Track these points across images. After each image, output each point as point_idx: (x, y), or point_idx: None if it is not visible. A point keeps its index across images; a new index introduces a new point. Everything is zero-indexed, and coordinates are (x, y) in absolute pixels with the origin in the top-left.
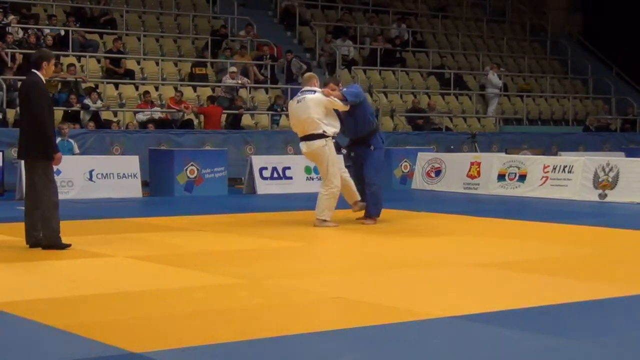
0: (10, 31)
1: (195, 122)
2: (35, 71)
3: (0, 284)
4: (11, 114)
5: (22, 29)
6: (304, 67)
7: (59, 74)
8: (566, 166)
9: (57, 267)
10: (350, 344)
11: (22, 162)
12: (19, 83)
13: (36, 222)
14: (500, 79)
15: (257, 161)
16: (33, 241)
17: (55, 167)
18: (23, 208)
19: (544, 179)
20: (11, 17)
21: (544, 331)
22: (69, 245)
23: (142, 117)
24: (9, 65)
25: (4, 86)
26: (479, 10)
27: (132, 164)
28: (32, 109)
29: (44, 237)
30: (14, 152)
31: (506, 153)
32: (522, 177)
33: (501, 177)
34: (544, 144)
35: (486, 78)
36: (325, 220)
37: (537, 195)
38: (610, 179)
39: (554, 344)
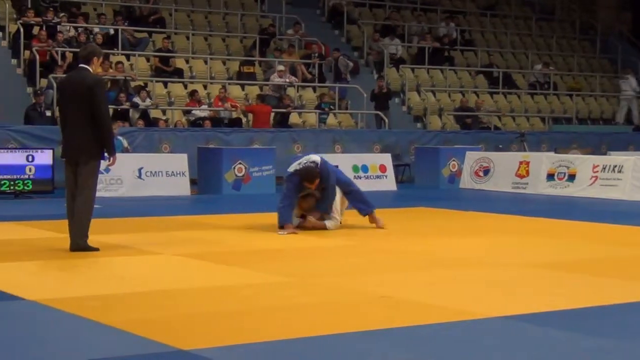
0: (60, 30)
1: (244, 120)
2: (86, 66)
3: (50, 280)
4: None
5: (72, 27)
6: (351, 65)
7: (107, 72)
8: (616, 166)
9: (106, 264)
10: (399, 344)
11: (64, 161)
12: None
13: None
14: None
15: None
16: (76, 247)
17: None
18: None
19: (594, 178)
20: (62, 14)
21: (593, 332)
22: (97, 249)
23: (193, 115)
24: (59, 63)
25: (55, 85)
26: (528, 9)
27: (180, 162)
28: (98, 108)
29: (76, 239)
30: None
31: (555, 152)
32: (572, 177)
33: (550, 176)
34: (594, 144)
35: (625, 82)
36: None
37: (587, 195)
38: None
39: (602, 345)
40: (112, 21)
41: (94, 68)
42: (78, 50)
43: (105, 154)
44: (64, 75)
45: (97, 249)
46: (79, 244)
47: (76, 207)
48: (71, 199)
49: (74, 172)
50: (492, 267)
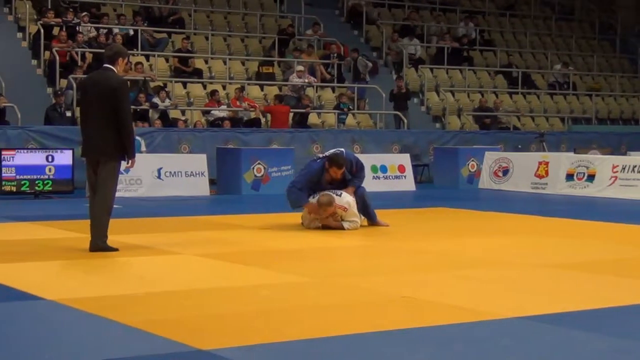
0: (81, 30)
1: (263, 120)
2: (111, 66)
3: (69, 280)
4: None
5: (92, 28)
6: (370, 65)
7: (127, 72)
8: (636, 166)
9: (126, 264)
10: (418, 344)
11: (85, 161)
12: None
13: None
14: None
15: None
16: (95, 247)
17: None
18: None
19: (613, 179)
20: (83, 14)
21: (611, 333)
22: (117, 249)
23: (212, 115)
24: (79, 64)
25: (74, 85)
26: (547, 9)
27: (199, 162)
28: (121, 109)
29: (95, 239)
30: None
31: (575, 152)
32: (591, 177)
33: (569, 176)
34: (613, 144)
35: None
36: None
37: (606, 195)
38: None
39: (621, 346)
40: (131, 22)
41: (119, 69)
42: (98, 50)
43: (126, 156)
44: (87, 75)
45: (116, 249)
46: (98, 244)
47: (95, 208)
48: (93, 198)
49: (95, 172)
50: (511, 267)
